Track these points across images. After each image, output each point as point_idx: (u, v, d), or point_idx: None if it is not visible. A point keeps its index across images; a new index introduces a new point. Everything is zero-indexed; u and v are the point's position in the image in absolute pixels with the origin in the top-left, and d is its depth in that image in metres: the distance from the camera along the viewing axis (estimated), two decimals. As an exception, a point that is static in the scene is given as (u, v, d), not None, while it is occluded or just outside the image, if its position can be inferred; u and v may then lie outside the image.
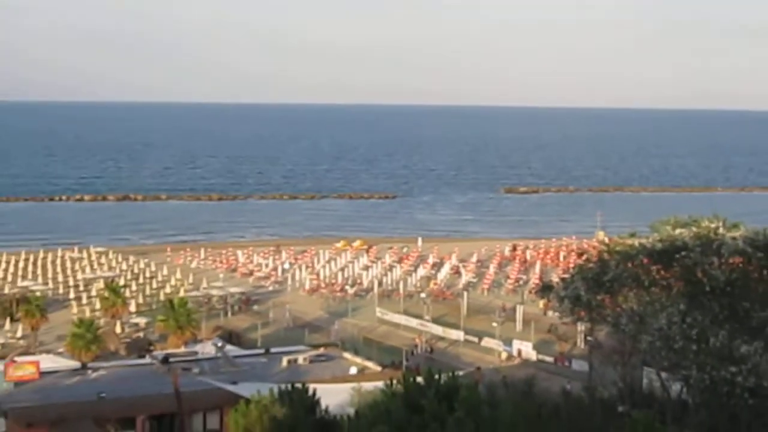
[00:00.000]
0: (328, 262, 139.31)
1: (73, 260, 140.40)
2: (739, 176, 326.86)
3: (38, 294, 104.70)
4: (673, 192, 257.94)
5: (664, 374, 44.85)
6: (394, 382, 29.58)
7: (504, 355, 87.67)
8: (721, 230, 48.08)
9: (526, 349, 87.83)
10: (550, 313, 58.44)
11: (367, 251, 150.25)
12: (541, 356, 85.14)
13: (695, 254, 45.59)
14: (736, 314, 44.12)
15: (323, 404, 31.05)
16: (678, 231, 48.56)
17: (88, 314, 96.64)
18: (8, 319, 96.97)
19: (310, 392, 30.19)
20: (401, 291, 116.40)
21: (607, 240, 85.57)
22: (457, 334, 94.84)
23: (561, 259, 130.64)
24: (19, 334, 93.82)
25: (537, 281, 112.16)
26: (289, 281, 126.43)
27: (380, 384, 37.56)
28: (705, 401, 41.20)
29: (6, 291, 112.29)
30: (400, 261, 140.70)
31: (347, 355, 79.03)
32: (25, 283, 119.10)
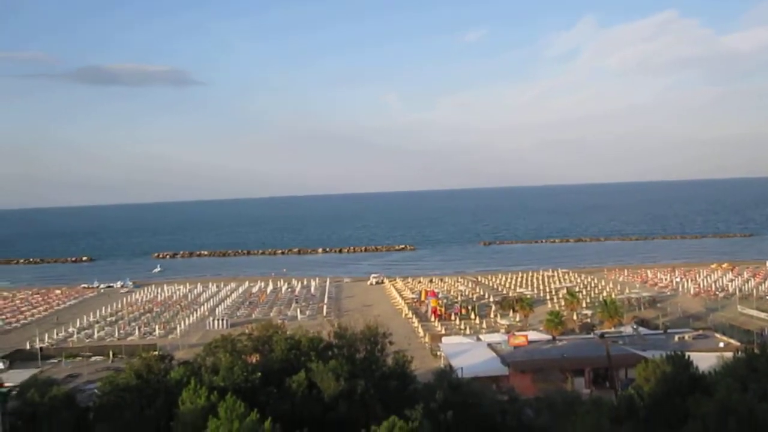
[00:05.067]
0: (705, 277, 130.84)
1: (548, 276, 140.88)
2: None
3: (528, 296, 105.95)
4: None
5: None
6: (740, 352, 27.71)
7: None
8: None
9: None
10: None
11: (732, 270, 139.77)
12: None
13: None
14: None
15: (699, 366, 29.19)
16: None
17: (557, 308, 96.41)
18: (511, 311, 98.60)
19: (686, 357, 28.40)
20: (754, 294, 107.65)
21: None
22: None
23: None
24: (517, 319, 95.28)
25: None
26: (680, 289, 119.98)
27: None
28: None
29: (509, 294, 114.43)
30: (754, 276, 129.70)
31: (718, 335, 74.05)
32: (521, 290, 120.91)
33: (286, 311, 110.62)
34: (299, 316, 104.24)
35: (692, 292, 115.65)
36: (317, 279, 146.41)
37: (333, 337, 40.26)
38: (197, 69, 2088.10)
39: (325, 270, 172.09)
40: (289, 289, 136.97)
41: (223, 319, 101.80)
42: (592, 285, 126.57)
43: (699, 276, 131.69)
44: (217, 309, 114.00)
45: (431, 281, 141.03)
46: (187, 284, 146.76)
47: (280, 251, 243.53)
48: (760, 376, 23.61)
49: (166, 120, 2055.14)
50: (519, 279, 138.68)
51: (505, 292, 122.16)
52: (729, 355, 45.47)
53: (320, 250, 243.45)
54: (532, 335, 75.21)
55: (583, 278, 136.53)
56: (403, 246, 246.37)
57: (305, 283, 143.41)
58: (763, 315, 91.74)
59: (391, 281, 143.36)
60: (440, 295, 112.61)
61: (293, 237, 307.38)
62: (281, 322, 79.38)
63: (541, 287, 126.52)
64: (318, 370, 33.32)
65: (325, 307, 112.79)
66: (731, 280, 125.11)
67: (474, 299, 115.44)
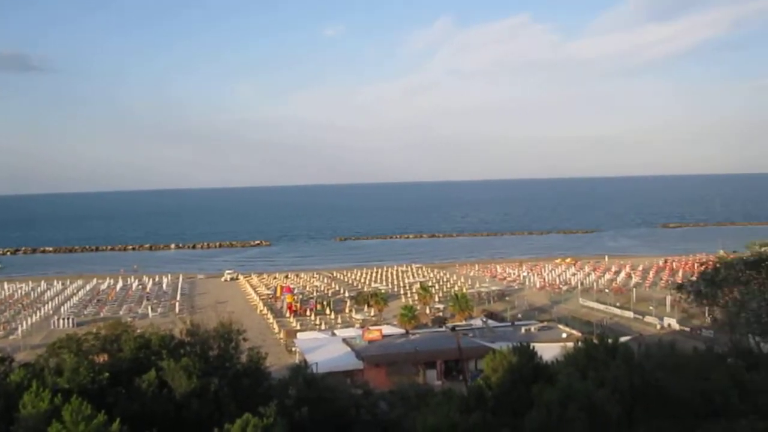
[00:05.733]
0: (550, 271, 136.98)
1: (402, 272, 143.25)
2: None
3: (382, 291, 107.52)
4: (760, 225, 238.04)
5: (758, 338, 42.02)
6: (580, 342, 29.21)
7: (658, 327, 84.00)
8: (792, 248, 44.93)
9: (672, 322, 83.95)
10: (684, 301, 55.42)
11: (574, 264, 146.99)
12: (682, 327, 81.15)
13: (775, 263, 42.92)
14: (804, 301, 41.24)
15: (544, 356, 30.50)
16: (763, 248, 45.60)
17: (410, 302, 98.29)
18: (366, 306, 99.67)
19: (531, 347, 29.65)
20: (595, 288, 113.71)
21: (724, 255, 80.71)
22: (629, 314, 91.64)
23: (694, 267, 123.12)
24: (371, 314, 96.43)
25: (679, 282, 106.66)
26: (527, 283, 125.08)
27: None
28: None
29: (365, 289, 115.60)
30: (594, 270, 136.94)
31: (561, 326, 77.73)
32: (375, 285, 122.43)
33: (136, 309, 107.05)
34: (150, 314, 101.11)
35: (538, 285, 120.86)
36: (169, 275, 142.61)
37: (185, 334, 39.31)
38: (41, 54, 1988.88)
39: (178, 266, 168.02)
40: (140, 286, 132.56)
41: (68, 318, 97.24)
42: (445, 279, 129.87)
43: (544, 270, 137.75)
44: (62, 308, 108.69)
45: (287, 277, 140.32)
46: (30, 282, 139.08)
47: (130, 247, 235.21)
48: (598, 365, 24.99)
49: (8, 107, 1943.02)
50: (374, 274, 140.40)
51: (360, 287, 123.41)
52: (571, 345, 47.84)
53: (173, 245, 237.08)
54: (386, 329, 76.30)
55: (435, 273, 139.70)
56: (258, 242, 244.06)
57: (157, 279, 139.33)
58: (602, 307, 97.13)
59: (246, 277, 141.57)
60: (296, 291, 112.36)
61: (145, 232, 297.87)
62: (131, 320, 77.01)
63: (396, 282, 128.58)
64: (169, 368, 32.43)
65: (177, 304, 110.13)
66: (574, 274, 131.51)
67: (329, 295, 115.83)
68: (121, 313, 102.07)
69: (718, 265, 47.30)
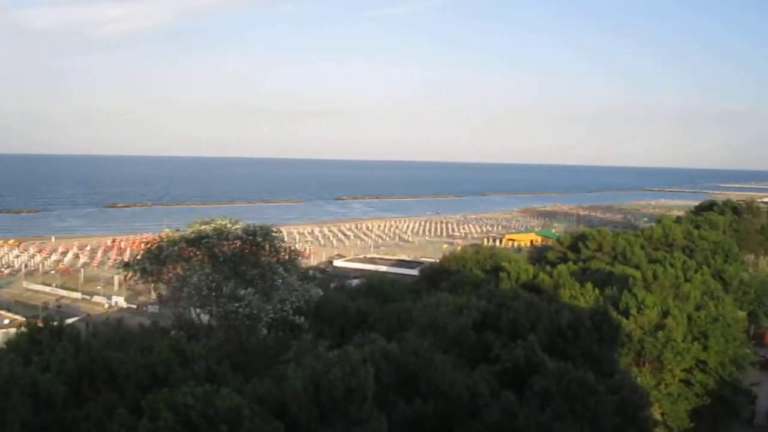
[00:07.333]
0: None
1: None
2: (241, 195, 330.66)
3: None
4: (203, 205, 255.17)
5: (198, 310, 45.28)
6: (23, 327, 28.23)
7: (107, 306, 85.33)
8: (228, 225, 48.95)
9: (120, 300, 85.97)
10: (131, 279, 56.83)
11: (17, 246, 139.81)
12: (129, 305, 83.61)
13: (213, 239, 46.45)
14: (238, 273, 45.44)
15: (-17, 344, 28.72)
16: (203, 226, 48.95)
17: None
18: None
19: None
20: (40, 270, 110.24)
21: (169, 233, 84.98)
22: (77, 295, 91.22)
23: (141, 246, 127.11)
24: None
25: (126, 260, 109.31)
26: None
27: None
28: (222, 325, 42.22)
29: None
30: (39, 251, 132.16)
31: (2, 312, 74.13)
32: None
33: None
34: None
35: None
36: None
37: None
38: None
39: None
40: None
41: None
42: None
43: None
44: None
45: None
46: None
47: None
48: (44, 348, 24.55)
49: None
50: None
51: None
52: (14, 331, 45.68)
53: None
54: None
55: None
56: None
57: None
58: (48, 289, 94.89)
59: None
60: None
61: None
62: None
63: None
64: None
65: None
66: (17, 256, 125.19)
67: None
68: None
69: (162, 243, 49.28)
